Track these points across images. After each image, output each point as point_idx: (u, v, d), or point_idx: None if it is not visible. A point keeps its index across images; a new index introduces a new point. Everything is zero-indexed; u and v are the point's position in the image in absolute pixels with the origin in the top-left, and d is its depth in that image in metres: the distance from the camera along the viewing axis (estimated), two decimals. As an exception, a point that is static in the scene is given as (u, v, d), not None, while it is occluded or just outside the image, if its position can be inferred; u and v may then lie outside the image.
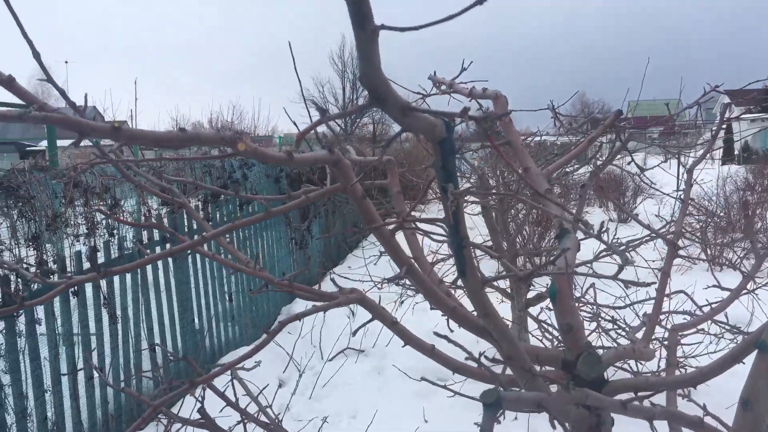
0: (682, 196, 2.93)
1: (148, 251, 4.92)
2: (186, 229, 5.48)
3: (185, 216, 5.45)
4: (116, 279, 4.53)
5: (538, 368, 2.16)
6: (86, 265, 4.16)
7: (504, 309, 5.82)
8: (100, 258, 4.45)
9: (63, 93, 1.08)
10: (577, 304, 3.52)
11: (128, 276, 4.66)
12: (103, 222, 4.64)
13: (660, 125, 3.89)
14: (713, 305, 2.65)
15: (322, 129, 1.48)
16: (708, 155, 3.05)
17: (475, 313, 1.69)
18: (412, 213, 1.87)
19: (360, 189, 1.46)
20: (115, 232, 4.64)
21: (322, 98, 38.83)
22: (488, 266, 8.85)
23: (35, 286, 3.70)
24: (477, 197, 5.42)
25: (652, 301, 2.61)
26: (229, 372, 2.07)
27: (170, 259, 5.15)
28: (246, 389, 2.28)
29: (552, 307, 1.82)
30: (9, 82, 0.93)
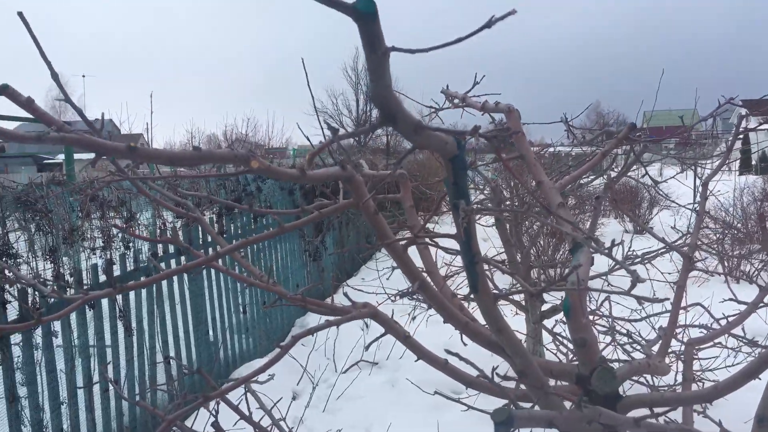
0: (697, 209, 2.91)
1: (163, 266, 4.96)
2: (201, 242, 5.52)
3: (200, 229, 5.48)
4: (132, 292, 4.57)
5: (552, 382, 2.15)
6: (102, 277, 4.20)
7: (518, 321, 5.80)
8: (116, 271, 4.49)
9: (81, 113, 1.10)
10: (592, 317, 3.50)
11: (143, 289, 4.70)
12: (119, 235, 4.69)
13: (675, 136, 3.87)
14: (730, 318, 2.63)
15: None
16: (724, 167, 3.04)
17: (488, 328, 1.69)
18: (426, 225, 1.88)
19: (372, 205, 1.47)
20: (131, 245, 4.69)
21: (336, 110, 39.02)
22: (503, 278, 8.82)
23: (52, 300, 3.74)
24: (500, 211, 5.42)
25: (668, 314, 2.59)
26: (244, 385, 2.09)
27: (185, 272, 5.19)
28: (259, 402, 2.29)
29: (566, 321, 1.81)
30: (29, 104, 0.95)
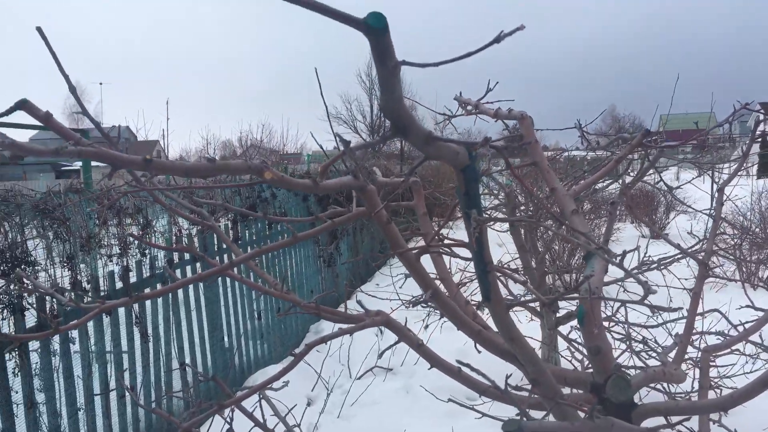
0: (713, 214, 2.89)
1: (179, 273, 4.99)
2: (216, 248, 5.55)
3: (215, 236, 5.52)
4: (147, 299, 4.60)
5: (567, 390, 2.14)
6: (119, 284, 4.24)
7: (533, 328, 5.78)
8: (133, 277, 4.53)
9: (98, 126, 1.12)
10: (607, 324, 3.48)
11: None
12: (136, 242, 4.73)
13: (691, 141, 3.85)
14: (746, 325, 2.60)
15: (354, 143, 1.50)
16: (741, 171, 3.01)
17: (501, 336, 1.69)
18: (440, 231, 1.88)
19: (385, 214, 1.48)
20: (147, 251, 4.73)
21: (350, 116, 39.12)
22: (518, 284, 8.77)
23: (70, 307, 3.78)
24: (510, 221, 5.40)
25: (685, 321, 2.57)
26: (258, 393, 2.10)
27: (200, 282, 5.21)
28: (274, 410, 2.30)
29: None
30: (47, 119, 0.97)
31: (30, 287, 3.00)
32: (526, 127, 2.54)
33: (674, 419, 1.77)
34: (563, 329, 5.09)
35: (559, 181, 2.64)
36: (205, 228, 5.38)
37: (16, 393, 3.50)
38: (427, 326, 5.63)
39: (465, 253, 2.14)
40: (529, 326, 5.86)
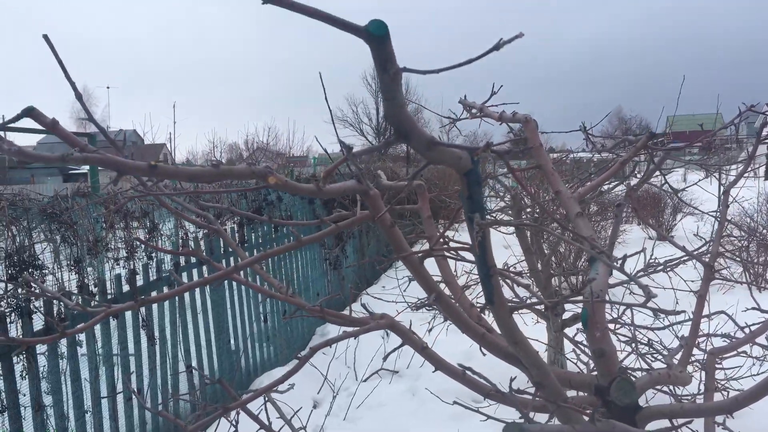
0: (719, 217, 2.88)
1: (185, 276, 5.01)
2: (222, 251, 5.57)
3: (221, 240, 5.54)
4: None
5: (574, 393, 2.14)
6: (126, 287, 4.26)
7: (539, 330, 5.77)
8: (140, 280, 4.55)
9: (104, 132, 1.13)
10: (613, 326, 3.47)
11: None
12: (142, 245, 4.75)
13: (696, 142, 3.84)
14: (752, 327, 2.60)
15: (357, 148, 1.51)
16: (748, 172, 3.01)
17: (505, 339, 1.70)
18: (445, 234, 1.89)
19: (389, 218, 1.48)
20: (153, 255, 4.75)
21: (356, 118, 39.17)
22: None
23: (77, 311, 3.80)
24: (513, 225, 5.40)
25: (690, 323, 2.57)
26: (264, 396, 2.11)
27: (205, 285, 5.23)
28: (279, 412, 2.30)
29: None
30: (53, 125, 0.98)
31: (37, 291, 3.02)
32: (530, 130, 2.54)
33: (678, 421, 1.77)
34: (569, 331, 5.09)
35: (565, 183, 2.64)
36: (211, 232, 5.40)
37: (24, 396, 3.53)
38: (431, 329, 5.63)
39: (470, 255, 2.14)
40: (535, 328, 5.85)
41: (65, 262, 4.21)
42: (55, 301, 3.67)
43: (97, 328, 4.08)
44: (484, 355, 1.99)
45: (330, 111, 1.59)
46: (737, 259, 5.75)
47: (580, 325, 4.98)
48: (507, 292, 2.40)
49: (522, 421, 1.06)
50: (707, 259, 2.69)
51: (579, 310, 5.55)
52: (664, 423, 1.88)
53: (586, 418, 1.34)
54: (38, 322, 3.73)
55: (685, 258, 3.18)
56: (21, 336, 3.47)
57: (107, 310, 1.34)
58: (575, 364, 4.27)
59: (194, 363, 5.08)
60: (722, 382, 4.38)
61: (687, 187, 3.87)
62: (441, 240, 1.98)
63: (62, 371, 3.76)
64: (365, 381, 6.03)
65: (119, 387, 4.20)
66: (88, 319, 3.21)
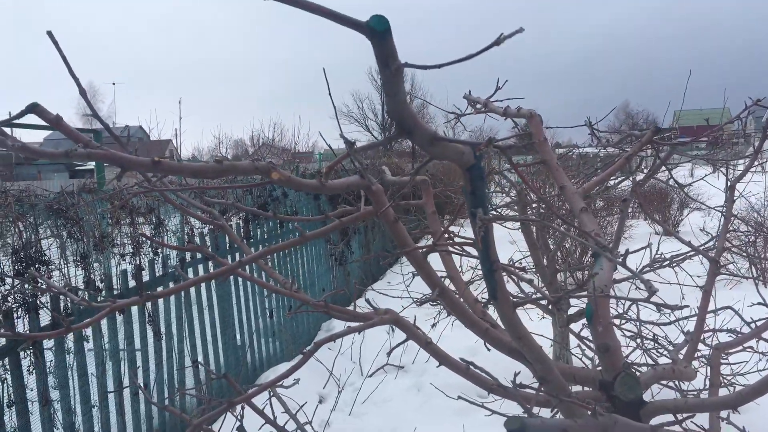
0: (724, 212, 2.87)
1: (191, 272, 5.03)
2: (228, 247, 5.59)
3: (226, 236, 5.55)
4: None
5: (579, 388, 2.14)
6: (132, 283, 4.28)
7: (545, 326, 5.76)
8: (145, 276, 4.57)
9: (108, 128, 1.14)
10: (618, 321, 3.47)
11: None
12: (148, 241, 4.77)
13: (702, 137, 3.82)
14: (758, 323, 2.59)
15: (362, 143, 1.51)
16: (755, 167, 2.99)
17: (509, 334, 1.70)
18: (449, 229, 1.89)
19: (392, 213, 1.49)
20: (159, 251, 4.77)
21: (362, 114, 39.13)
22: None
23: (83, 306, 3.82)
24: (516, 220, 5.40)
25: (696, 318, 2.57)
26: (269, 390, 2.12)
27: (210, 281, 5.26)
28: (284, 406, 2.31)
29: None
30: (57, 121, 0.99)
31: (43, 287, 3.03)
32: (534, 125, 2.54)
33: (681, 415, 1.77)
34: (575, 327, 5.08)
35: (571, 179, 2.63)
36: (216, 227, 5.42)
37: (31, 390, 3.55)
38: (434, 324, 5.63)
39: (474, 250, 2.14)
40: (540, 324, 5.85)
41: (71, 258, 4.23)
42: (61, 296, 3.69)
43: (104, 323, 4.10)
44: (489, 350, 1.99)
45: (334, 106, 1.59)
46: (744, 254, 5.73)
47: (585, 321, 4.98)
48: (512, 288, 2.40)
49: (524, 415, 1.06)
50: (713, 254, 2.68)
51: (584, 306, 5.54)
52: (669, 418, 1.88)
53: (590, 413, 1.35)
54: (45, 318, 3.76)
55: (691, 253, 3.17)
56: (28, 331, 3.50)
57: (113, 305, 1.35)
58: (580, 359, 4.27)
59: (200, 358, 5.10)
60: (728, 378, 4.37)
61: (693, 182, 3.85)
62: (445, 235, 1.98)
63: (69, 366, 3.78)
64: (371, 376, 6.04)
65: (126, 382, 4.22)
66: (94, 314, 3.23)
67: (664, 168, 3.22)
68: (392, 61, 0.85)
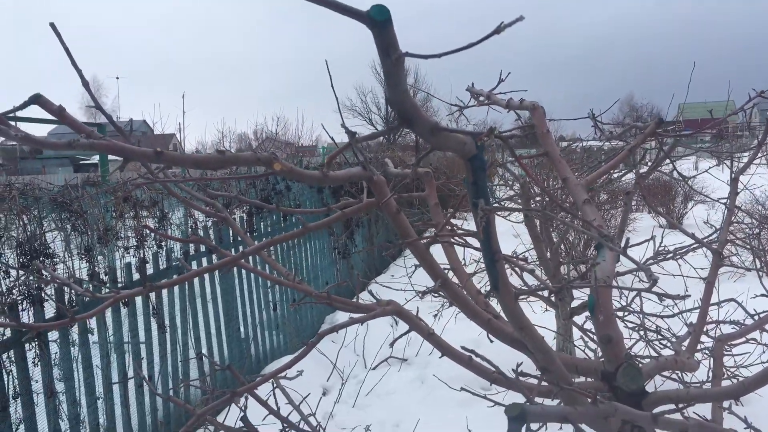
0: (728, 204, 2.87)
1: (195, 265, 5.05)
2: (231, 240, 5.60)
3: (230, 229, 5.56)
4: (164, 290, 4.67)
5: (581, 380, 2.14)
6: (136, 276, 4.30)
7: (548, 318, 5.77)
8: (150, 269, 4.58)
9: (110, 119, 1.14)
10: (622, 314, 3.47)
11: (176, 287, 4.79)
12: (152, 234, 4.79)
13: (705, 130, 3.81)
14: (762, 314, 2.59)
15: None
16: (758, 160, 2.99)
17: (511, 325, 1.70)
18: (452, 222, 1.89)
19: (394, 204, 1.49)
20: (163, 244, 4.78)
21: (365, 108, 39.05)
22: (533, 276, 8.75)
23: (88, 298, 3.84)
24: (517, 210, 5.40)
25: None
26: (272, 381, 2.13)
27: (216, 271, 5.28)
28: (288, 398, 2.32)
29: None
30: (60, 112, 0.99)
31: (48, 278, 3.05)
32: (537, 117, 2.54)
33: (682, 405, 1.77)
34: (578, 320, 5.08)
35: (573, 172, 2.63)
36: (219, 220, 5.43)
37: (36, 382, 3.57)
38: (436, 314, 5.64)
39: (476, 242, 2.14)
40: (543, 317, 5.85)
41: (76, 251, 4.25)
42: (66, 288, 3.70)
43: (108, 316, 4.12)
44: (491, 341, 1.99)
45: (336, 98, 1.59)
46: (747, 246, 5.72)
47: (588, 313, 4.98)
48: (515, 281, 2.41)
49: (525, 402, 1.07)
50: (716, 246, 2.68)
51: (587, 299, 5.53)
52: (671, 410, 1.89)
53: (591, 401, 1.35)
54: (50, 311, 3.78)
55: (695, 245, 3.17)
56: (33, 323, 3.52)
57: (116, 296, 1.36)
58: (583, 351, 4.28)
59: (204, 351, 5.12)
60: (731, 370, 4.37)
61: (697, 175, 3.85)
62: (447, 226, 1.98)
63: (74, 358, 3.80)
64: (374, 369, 6.06)
65: (130, 374, 4.24)
66: (98, 305, 3.24)
67: (668, 160, 3.21)
68: (393, 51, 0.85)
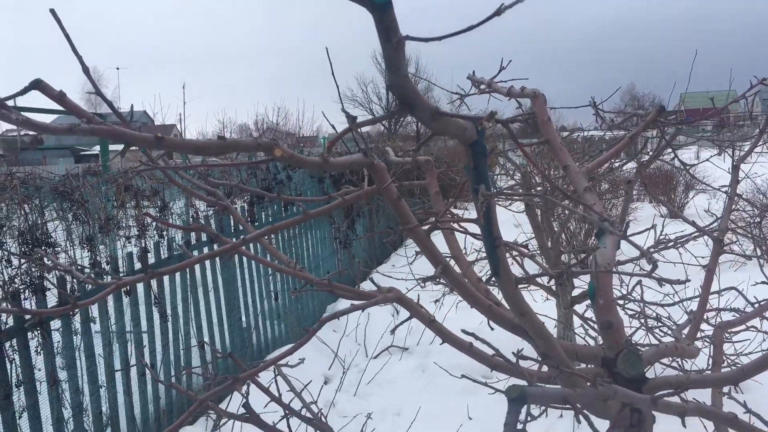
0: (728, 192, 2.87)
1: (196, 254, 5.06)
2: (232, 230, 5.61)
3: (231, 218, 5.57)
4: (166, 279, 4.68)
5: (583, 366, 2.15)
6: (137, 265, 4.31)
7: (549, 307, 5.78)
8: (151, 258, 4.59)
9: (111, 105, 1.14)
10: (623, 302, 3.48)
11: (177, 276, 4.80)
12: (154, 224, 4.80)
13: (706, 118, 3.80)
14: (762, 302, 2.60)
15: (367, 128, 1.51)
16: (759, 146, 2.98)
17: (511, 311, 1.71)
18: (453, 211, 1.89)
19: (394, 191, 1.49)
20: (164, 233, 4.79)
21: (366, 98, 38.96)
22: (534, 264, 8.76)
23: (89, 287, 3.86)
24: (518, 196, 5.40)
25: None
26: (274, 369, 2.13)
27: (217, 259, 5.29)
28: (289, 385, 2.33)
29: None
30: (60, 97, 0.99)
31: (50, 264, 3.06)
32: (538, 105, 2.53)
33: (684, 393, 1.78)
34: (579, 308, 5.09)
35: (574, 161, 2.62)
36: (221, 209, 5.44)
37: (39, 371, 3.59)
38: (437, 300, 5.65)
39: (477, 230, 2.15)
40: (544, 306, 5.87)
41: (77, 241, 4.26)
42: (68, 277, 3.71)
43: (111, 304, 4.14)
44: (492, 329, 2.00)
45: (337, 84, 1.59)
46: (749, 235, 5.72)
47: (588, 302, 4.99)
48: (516, 271, 2.41)
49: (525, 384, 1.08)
50: (717, 234, 2.68)
51: (588, 288, 5.54)
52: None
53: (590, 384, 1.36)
54: (52, 300, 3.79)
55: (695, 234, 3.18)
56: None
57: (118, 282, 1.36)
58: (584, 339, 4.29)
59: (206, 340, 5.14)
60: (732, 358, 4.39)
61: (698, 163, 3.84)
62: (448, 214, 1.98)
63: (76, 347, 3.82)
64: (375, 358, 6.08)
65: (132, 362, 4.26)
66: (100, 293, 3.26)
67: (669, 149, 3.21)
68: (394, 35, 0.85)
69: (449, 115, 1.08)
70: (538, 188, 5.86)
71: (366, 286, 6.82)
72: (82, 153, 32.82)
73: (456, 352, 1.99)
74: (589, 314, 4.02)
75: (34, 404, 3.46)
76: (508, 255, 1.86)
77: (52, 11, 1.15)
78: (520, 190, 5.63)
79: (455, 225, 1.96)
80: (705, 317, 2.74)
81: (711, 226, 3.05)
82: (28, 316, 3.41)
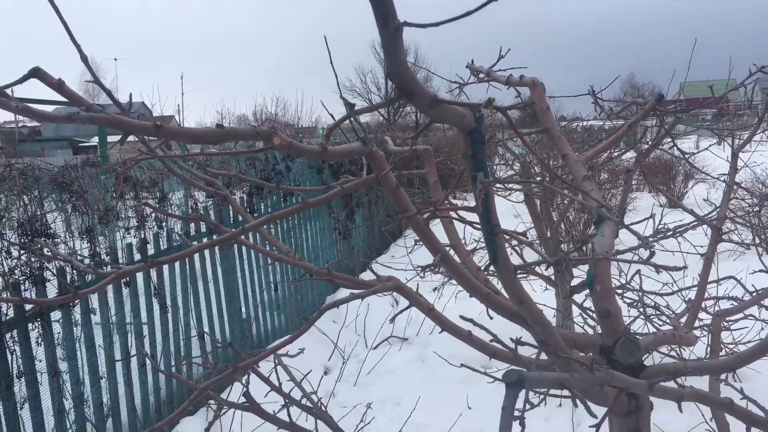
0: (727, 181, 2.87)
1: (195, 244, 5.06)
2: (232, 221, 5.61)
3: (230, 209, 5.57)
4: (166, 270, 4.68)
5: (581, 354, 2.16)
6: (137, 256, 4.31)
7: (548, 296, 5.80)
8: (150, 249, 4.60)
9: (109, 93, 1.14)
10: (621, 291, 3.49)
11: (177, 267, 4.81)
12: (153, 215, 4.80)
13: (705, 107, 3.79)
14: (760, 290, 2.61)
15: (366, 118, 1.51)
16: (758, 134, 2.98)
17: (510, 300, 1.71)
18: (452, 201, 1.90)
19: (393, 179, 1.49)
20: (163, 224, 4.79)
21: (365, 88, 38.86)
22: (533, 254, 8.77)
23: (89, 277, 3.86)
24: (516, 185, 5.41)
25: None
26: (274, 359, 2.14)
27: (217, 250, 5.30)
28: (289, 374, 2.34)
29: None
30: (59, 86, 0.99)
31: (50, 254, 3.06)
32: (537, 93, 2.53)
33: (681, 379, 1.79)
34: (578, 298, 5.10)
35: (573, 151, 2.62)
36: (220, 199, 5.44)
37: (40, 362, 3.60)
38: (436, 289, 5.67)
39: (475, 219, 2.15)
40: (543, 295, 5.88)
41: (77, 232, 4.26)
42: (68, 268, 3.72)
43: (110, 296, 4.15)
44: (491, 318, 2.01)
45: (335, 73, 1.59)
46: (747, 224, 5.73)
47: (587, 291, 5.00)
48: (515, 260, 2.42)
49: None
50: (715, 223, 2.69)
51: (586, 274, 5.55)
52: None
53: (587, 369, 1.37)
54: (52, 292, 3.80)
55: (694, 223, 3.19)
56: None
57: (118, 272, 1.37)
58: (582, 328, 4.30)
59: (206, 331, 5.15)
60: (730, 346, 4.40)
61: (697, 152, 3.84)
62: (447, 202, 1.99)
63: (77, 338, 3.83)
64: (375, 348, 6.10)
65: (133, 353, 4.28)
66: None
67: (668, 138, 3.21)
68: (391, 21, 0.85)
69: (447, 103, 1.08)
70: (538, 179, 5.86)
71: (365, 276, 6.83)
72: (80, 144, 32.75)
73: (455, 342, 1.99)
74: (588, 304, 4.03)
75: (35, 395, 3.48)
76: (507, 245, 1.86)
77: (51, 1, 1.15)
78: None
79: (454, 214, 1.97)
80: (703, 306, 2.76)
81: (710, 215, 3.05)
82: (28, 307, 3.42)
